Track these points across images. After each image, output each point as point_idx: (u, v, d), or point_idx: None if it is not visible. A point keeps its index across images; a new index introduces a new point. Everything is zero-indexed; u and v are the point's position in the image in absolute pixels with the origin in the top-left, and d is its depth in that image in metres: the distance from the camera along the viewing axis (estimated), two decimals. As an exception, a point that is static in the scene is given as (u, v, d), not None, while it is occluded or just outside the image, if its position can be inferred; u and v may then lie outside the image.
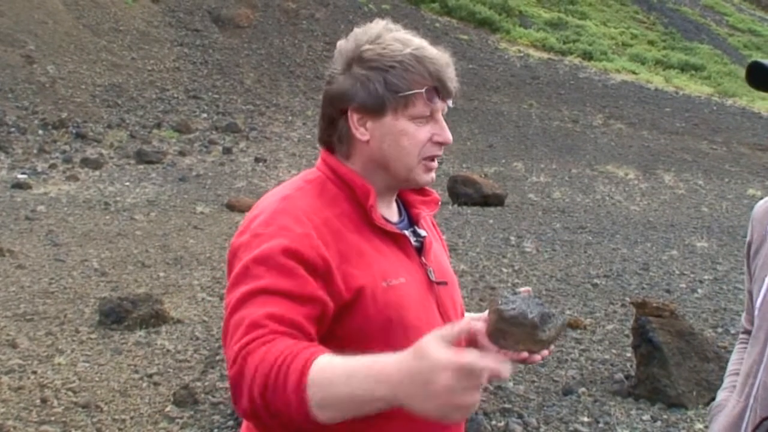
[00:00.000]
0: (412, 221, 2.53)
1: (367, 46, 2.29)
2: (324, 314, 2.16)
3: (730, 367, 2.93)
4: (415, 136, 2.31)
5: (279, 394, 1.89)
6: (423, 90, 2.27)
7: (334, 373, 1.87)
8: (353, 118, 2.30)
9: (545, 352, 2.38)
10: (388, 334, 2.23)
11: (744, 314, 2.94)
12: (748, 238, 2.76)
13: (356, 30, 2.37)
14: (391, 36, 2.31)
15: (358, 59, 2.29)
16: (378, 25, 2.36)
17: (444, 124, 2.37)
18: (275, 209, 2.25)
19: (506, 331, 2.30)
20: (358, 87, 2.27)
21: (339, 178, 2.36)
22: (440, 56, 2.32)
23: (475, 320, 2.55)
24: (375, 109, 2.28)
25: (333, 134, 2.37)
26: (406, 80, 2.26)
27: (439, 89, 2.30)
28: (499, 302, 2.43)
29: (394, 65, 2.25)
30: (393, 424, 2.26)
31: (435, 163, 2.40)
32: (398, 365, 1.80)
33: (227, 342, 2.09)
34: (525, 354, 2.35)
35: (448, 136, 2.37)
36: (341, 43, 2.38)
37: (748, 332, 2.86)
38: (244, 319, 2.05)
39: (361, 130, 2.31)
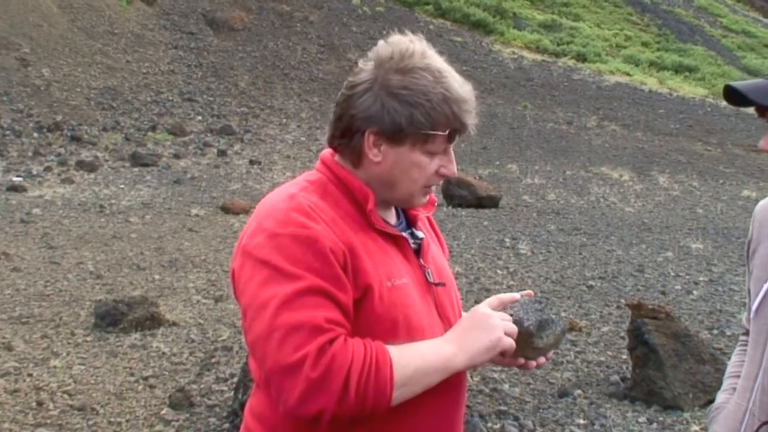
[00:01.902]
0: (410, 223, 2.54)
1: (397, 77, 2.25)
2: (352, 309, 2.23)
3: (730, 369, 2.93)
4: (425, 169, 2.33)
5: (373, 383, 2.10)
6: (446, 133, 2.28)
7: (407, 353, 2.19)
8: (369, 139, 2.29)
9: (542, 360, 2.38)
10: (393, 334, 2.24)
11: (745, 314, 2.93)
12: (748, 237, 2.77)
13: (392, 46, 2.31)
14: (424, 64, 2.27)
15: (387, 84, 2.26)
16: (413, 47, 2.31)
17: (453, 156, 2.38)
18: (287, 208, 2.23)
19: None
20: (383, 114, 2.25)
21: (339, 180, 2.36)
22: (467, 96, 2.31)
23: None
24: (394, 138, 2.28)
25: (346, 144, 2.35)
26: (431, 119, 2.25)
27: (459, 130, 2.31)
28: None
29: (423, 103, 2.23)
30: (404, 424, 2.31)
31: (432, 188, 2.44)
32: (456, 327, 2.33)
33: (280, 345, 2.08)
34: (521, 360, 2.36)
35: (454, 170, 2.39)
36: (371, 56, 2.34)
37: (749, 332, 2.87)
38: (304, 323, 2.08)
39: (374, 151, 2.30)
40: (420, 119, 2.24)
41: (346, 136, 2.34)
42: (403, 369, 2.14)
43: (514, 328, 2.29)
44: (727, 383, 2.88)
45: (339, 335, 2.10)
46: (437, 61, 2.31)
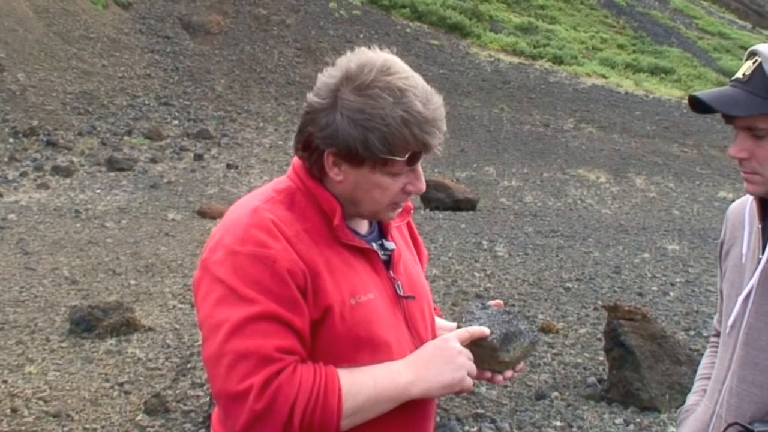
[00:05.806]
0: (382, 233, 2.49)
1: (354, 97, 2.16)
2: (309, 332, 2.19)
3: (701, 371, 2.94)
4: (389, 189, 2.27)
5: (319, 415, 2.07)
6: (404, 158, 2.20)
7: (360, 381, 2.15)
8: (329, 159, 2.23)
9: (509, 373, 2.34)
10: (357, 351, 2.21)
11: (716, 315, 2.93)
12: (721, 238, 2.77)
13: (353, 61, 2.21)
14: (384, 83, 2.17)
15: (344, 105, 2.16)
16: (375, 62, 2.20)
17: (420, 173, 2.30)
18: (247, 223, 2.19)
19: (470, 350, 2.27)
20: (338, 136, 2.17)
21: (308, 190, 2.32)
22: (431, 116, 2.20)
23: (442, 330, 2.56)
24: (352, 161, 2.21)
25: (308, 158, 2.30)
26: (388, 144, 2.16)
27: (421, 152, 2.23)
28: (463, 319, 2.38)
29: (380, 128, 2.14)
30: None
31: (401, 204, 2.38)
32: (421, 352, 2.28)
33: (228, 371, 2.08)
34: (488, 374, 2.32)
35: (422, 186, 2.32)
36: (330, 72, 2.24)
37: (719, 334, 2.87)
38: (252, 352, 2.06)
39: (335, 170, 2.25)
40: (376, 144, 2.16)
41: (307, 150, 2.28)
42: (353, 398, 2.11)
43: (475, 370, 2.27)
44: (697, 385, 2.90)
45: (288, 365, 2.07)
46: (400, 78, 2.19)
